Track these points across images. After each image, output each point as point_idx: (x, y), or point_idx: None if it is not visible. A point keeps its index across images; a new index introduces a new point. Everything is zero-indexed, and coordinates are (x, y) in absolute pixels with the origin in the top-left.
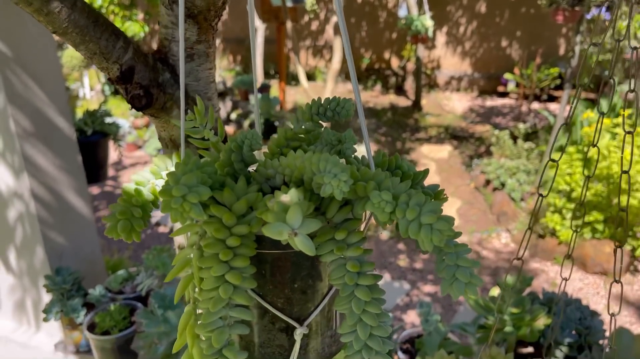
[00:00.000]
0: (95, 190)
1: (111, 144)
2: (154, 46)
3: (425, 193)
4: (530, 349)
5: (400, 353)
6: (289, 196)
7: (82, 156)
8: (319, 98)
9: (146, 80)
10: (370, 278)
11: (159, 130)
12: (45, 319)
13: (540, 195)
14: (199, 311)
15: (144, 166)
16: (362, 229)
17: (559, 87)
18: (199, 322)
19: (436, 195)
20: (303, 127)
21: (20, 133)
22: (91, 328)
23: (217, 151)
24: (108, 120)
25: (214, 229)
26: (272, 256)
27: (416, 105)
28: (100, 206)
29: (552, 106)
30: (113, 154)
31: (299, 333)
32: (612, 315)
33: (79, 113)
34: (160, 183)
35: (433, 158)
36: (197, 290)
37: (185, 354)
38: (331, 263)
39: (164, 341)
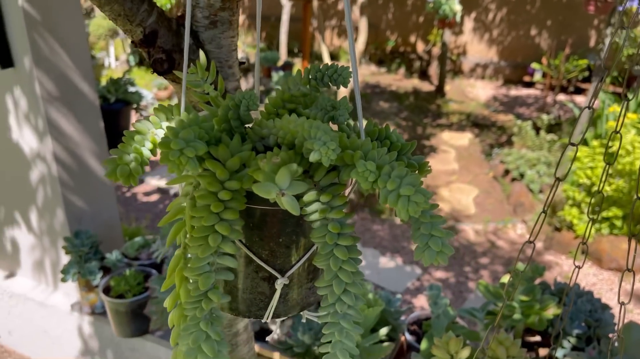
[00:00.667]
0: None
1: (133, 113)
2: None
3: (410, 165)
4: (537, 338)
5: (407, 334)
6: (280, 158)
7: (104, 123)
8: (318, 64)
9: (169, 45)
10: (349, 239)
11: (179, 95)
12: (63, 280)
13: (558, 179)
14: (188, 255)
15: None
16: (346, 194)
17: (587, 80)
18: (188, 265)
19: (421, 166)
20: (300, 89)
21: (45, 97)
22: (106, 291)
23: (216, 105)
24: (131, 89)
25: (208, 182)
26: (260, 211)
27: (439, 90)
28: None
29: (579, 98)
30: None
31: (280, 282)
32: (622, 304)
33: (104, 82)
34: (159, 133)
35: (453, 145)
36: (187, 236)
37: (172, 294)
38: (314, 223)
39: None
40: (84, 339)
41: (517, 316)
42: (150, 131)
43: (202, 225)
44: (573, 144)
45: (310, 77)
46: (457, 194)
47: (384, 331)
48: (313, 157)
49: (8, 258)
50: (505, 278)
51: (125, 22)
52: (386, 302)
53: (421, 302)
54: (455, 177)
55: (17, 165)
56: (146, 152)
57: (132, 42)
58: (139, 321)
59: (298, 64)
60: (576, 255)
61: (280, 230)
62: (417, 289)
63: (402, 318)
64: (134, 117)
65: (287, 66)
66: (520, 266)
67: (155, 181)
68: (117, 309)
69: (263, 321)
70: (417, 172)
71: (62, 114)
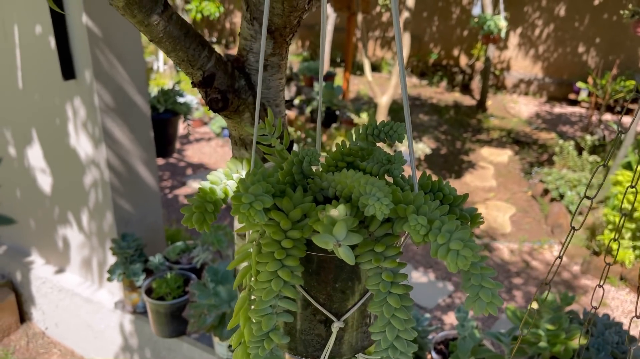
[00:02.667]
0: (160, 161)
1: (180, 122)
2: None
3: (462, 216)
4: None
5: (433, 353)
6: (338, 212)
7: (153, 132)
8: (375, 122)
9: (224, 86)
10: (402, 288)
11: (231, 129)
12: (109, 279)
13: (587, 197)
14: (252, 297)
15: (208, 142)
16: (399, 244)
17: (635, 101)
18: (252, 307)
19: (473, 218)
20: (358, 144)
21: (102, 107)
22: (148, 292)
23: (281, 158)
24: (180, 99)
25: (272, 231)
26: (319, 258)
27: (481, 105)
28: (164, 177)
29: (626, 119)
30: (182, 130)
31: (335, 326)
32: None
33: (153, 87)
34: (230, 184)
35: (492, 162)
36: (252, 279)
37: (237, 333)
38: (369, 271)
39: (212, 313)
40: (124, 336)
41: (542, 344)
42: (222, 182)
43: (266, 270)
44: (605, 166)
45: (367, 132)
46: (494, 211)
47: None
48: (368, 212)
49: (59, 254)
50: (533, 305)
51: (187, 67)
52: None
53: (451, 319)
54: (493, 194)
55: (72, 169)
56: (219, 201)
57: (192, 82)
58: (177, 323)
59: (340, 74)
60: (603, 274)
61: (337, 276)
62: (448, 306)
63: (430, 336)
64: (181, 126)
65: (330, 76)
66: (548, 296)
67: (196, 184)
68: (157, 310)
69: None
70: (469, 223)
71: (117, 124)
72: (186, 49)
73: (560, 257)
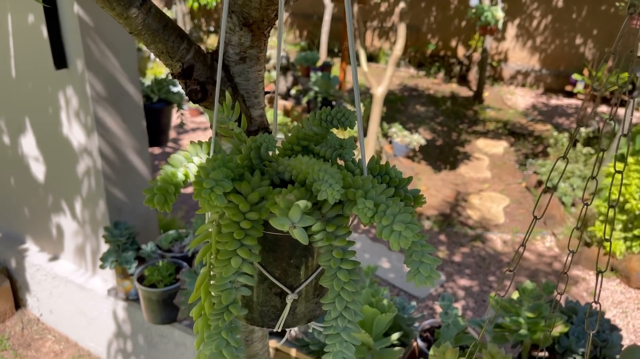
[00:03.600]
0: (156, 150)
1: (174, 112)
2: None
3: (406, 197)
4: (545, 354)
5: (419, 340)
6: (293, 196)
7: (146, 121)
8: (329, 108)
9: (203, 77)
10: (351, 264)
11: (210, 119)
12: (102, 267)
13: (585, 204)
14: (212, 273)
15: (204, 131)
16: (348, 224)
17: (631, 92)
18: (212, 282)
19: (416, 198)
20: (313, 129)
21: (94, 97)
22: (140, 279)
23: (239, 140)
24: (174, 89)
25: (232, 213)
26: (275, 237)
27: (477, 96)
28: (159, 166)
29: (621, 111)
30: (175, 120)
31: (290, 298)
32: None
33: (150, 76)
34: (191, 167)
35: (487, 153)
36: (213, 257)
37: (197, 306)
38: (321, 249)
39: None
40: (117, 323)
41: (523, 331)
42: (183, 164)
43: (225, 249)
44: (603, 150)
45: (321, 118)
46: (488, 202)
47: (395, 336)
48: (320, 196)
49: (53, 242)
50: (515, 294)
51: (167, 58)
52: (400, 308)
53: None
54: (487, 185)
55: (65, 157)
56: (179, 183)
57: (172, 74)
58: (168, 310)
59: (337, 65)
60: (570, 239)
61: (292, 253)
62: (439, 295)
63: (416, 324)
64: (174, 115)
65: (326, 67)
66: (529, 285)
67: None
68: (149, 298)
69: (274, 330)
70: (412, 203)
71: (109, 113)
72: (165, 41)
73: (523, 245)
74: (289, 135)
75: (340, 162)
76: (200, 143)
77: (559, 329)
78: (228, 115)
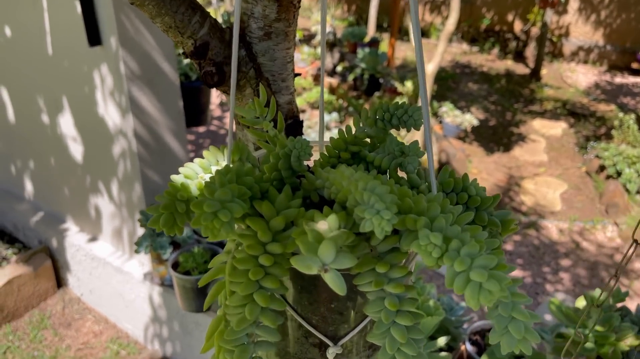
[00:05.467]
0: (200, 129)
1: (214, 90)
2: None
3: (490, 223)
4: None
5: (468, 344)
6: (327, 224)
7: (184, 100)
8: (386, 103)
9: (220, 57)
10: (409, 318)
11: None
12: (137, 251)
13: None
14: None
15: None
16: (406, 264)
17: None
18: (224, 336)
19: (504, 224)
20: (366, 131)
21: (128, 75)
22: (175, 266)
23: (274, 145)
24: None
25: (247, 245)
26: (309, 275)
27: (535, 74)
28: (204, 144)
29: None
30: (216, 99)
31: (331, 351)
32: None
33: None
34: (208, 178)
35: (544, 135)
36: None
37: (212, 357)
38: (369, 294)
39: None
40: (153, 308)
41: (589, 345)
42: (198, 176)
43: (239, 293)
44: None
45: (377, 117)
46: (543, 188)
47: (442, 340)
48: (363, 227)
49: (91, 223)
50: (580, 301)
51: (176, 34)
52: (448, 310)
53: None
54: (543, 169)
55: (102, 138)
56: (193, 199)
57: (183, 53)
58: (203, 298)
59: (386, 41)
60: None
61: (332, 294)
62: None
63: (465, 326)
64: (214, 94)
65: (374, 42)
66: (600, 295)
67: None
68: (183, 285)
69: None
70: (499, 231)
71: (144, 93)
72: (173, 14)
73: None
74: (334, 139)
75: (402, 174)
76: (221, 148)
77: (628, 342)
78: (262, 114)
